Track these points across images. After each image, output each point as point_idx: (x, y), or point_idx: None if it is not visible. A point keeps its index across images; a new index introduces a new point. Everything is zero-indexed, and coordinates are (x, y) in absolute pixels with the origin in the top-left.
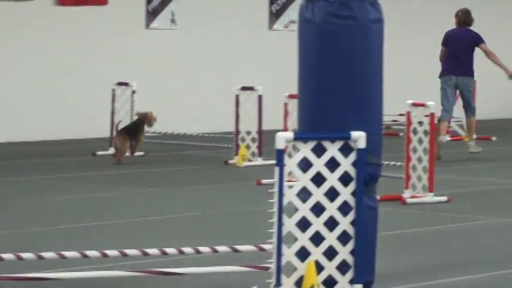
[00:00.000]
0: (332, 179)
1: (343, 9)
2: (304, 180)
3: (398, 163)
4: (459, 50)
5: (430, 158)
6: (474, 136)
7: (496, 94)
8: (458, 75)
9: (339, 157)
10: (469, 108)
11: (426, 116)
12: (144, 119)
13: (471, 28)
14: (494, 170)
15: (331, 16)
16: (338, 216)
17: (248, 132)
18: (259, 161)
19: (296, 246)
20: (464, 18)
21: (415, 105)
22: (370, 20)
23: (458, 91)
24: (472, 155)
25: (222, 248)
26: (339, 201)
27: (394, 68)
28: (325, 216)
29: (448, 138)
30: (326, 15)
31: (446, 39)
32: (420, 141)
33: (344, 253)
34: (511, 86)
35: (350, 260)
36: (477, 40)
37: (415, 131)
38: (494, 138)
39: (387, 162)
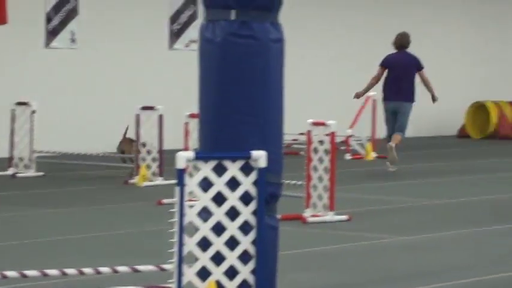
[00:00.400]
0: (233, 199)
1: (244, 29)
2: (205, 199)
3: (299, 182)
4: (400, 74)
5: (331, 177)
6: (374, 154)
7: None
8: (398, 100)
9: (240, 176)
10: (399, 130)
11: (327, 135)
12: (129, 143)
13: (409, 51)
14: (397, 189)
15: (232, 36)
16: (239, 235)
17: (149, 152)
18: (159, 181)
19: (197, 266)
20: (401, 41)
21: (315, 124)
22: (271, 39)
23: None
24: (371, 174)
25: (122, 269)
26: (239, 220)
27: (296, 87)
28: (226, 236)
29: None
30: (227, 35)
31: (386, 62)
32: (321, 160)
33: (245, 272)
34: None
35: (251, 279)
36: (418, 66)
37: (315, 150)
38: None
39: (288, 181)
